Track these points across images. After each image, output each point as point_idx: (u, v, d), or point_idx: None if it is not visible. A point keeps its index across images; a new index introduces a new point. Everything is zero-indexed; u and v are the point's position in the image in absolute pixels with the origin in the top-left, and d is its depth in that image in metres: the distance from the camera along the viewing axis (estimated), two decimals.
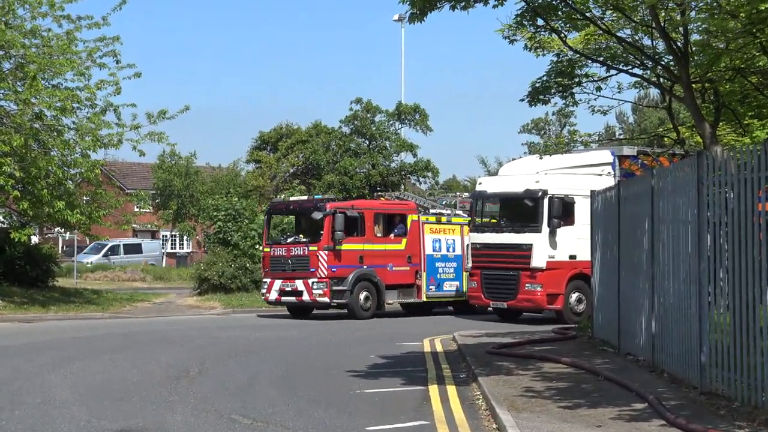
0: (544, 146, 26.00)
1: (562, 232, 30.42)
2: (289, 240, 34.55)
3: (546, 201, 30.32)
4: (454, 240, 36.11)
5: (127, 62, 35.71)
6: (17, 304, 34.18)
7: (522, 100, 20.24)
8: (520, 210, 31.95)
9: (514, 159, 37.08)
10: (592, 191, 23.75)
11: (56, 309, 34.59)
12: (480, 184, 33.80)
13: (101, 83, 35.17)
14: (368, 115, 47.68)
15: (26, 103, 32.72)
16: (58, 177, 34.03)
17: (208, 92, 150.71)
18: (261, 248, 36.67)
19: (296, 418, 14.34)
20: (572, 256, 30.53)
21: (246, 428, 13.68)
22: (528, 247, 30.62)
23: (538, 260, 30.49)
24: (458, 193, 40.60)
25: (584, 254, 26.86)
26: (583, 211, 28.21)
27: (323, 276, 32.86)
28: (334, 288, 32.95)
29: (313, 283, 32.95)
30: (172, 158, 64.71)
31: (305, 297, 33.26)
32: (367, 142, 47.73)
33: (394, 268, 34.57)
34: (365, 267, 33.73)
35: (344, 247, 33.17)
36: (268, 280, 34.37)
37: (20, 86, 33.76)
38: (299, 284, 33.26)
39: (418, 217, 35.61)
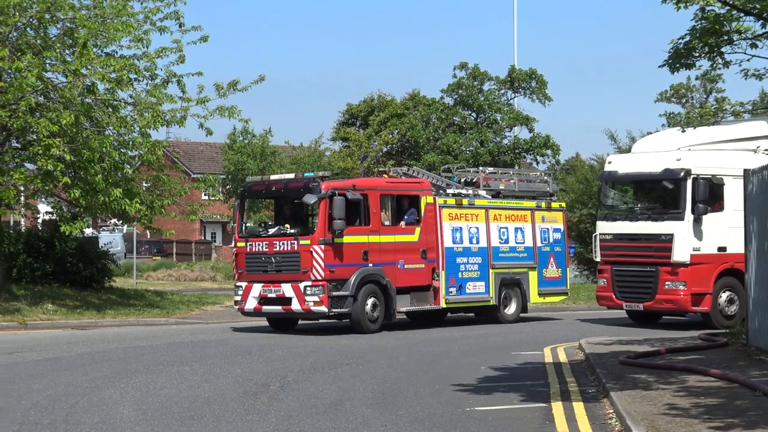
0: (686, 117, 25.60)
1: (709, 219, 30.09)
2: (271, 231, 31.13)
3: (689, 182, 30.00)
4: (477, 228, 33.55)
5: (191, 25, 36.07)
6: (69, 308, 34.82)
7: (662, 66, 20.04)
8: (659, 194, 31.68)
9: (649, 133, 36.52)
10: (745, 170, 23.45)
11: (114, 313, 35.18)
12: (609, 163, 33.57)
13: (162, 50, 35.63)
14: (475, 83, 47.59)
15: (76, 75, 33.25)
16: (114, 160, 34.41)
17: (286, 60, 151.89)
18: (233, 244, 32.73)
19: None
20: (721, 248, 30.20)
21: None
22: (668, 238, 30.35)
23: (681, 253, 30.20)
24: (481, 168, 37.42)
25: (736, 246, 26.56)
26: (734, 195, 27.90)
27: (319, 278, 29.49)
28: (333, 293, 29.71)
29: (305, 287, 29.58)
30: (245, 137, 65.24)
31: (295, 305, 29.86)
32: (474, 114, 47.66)
33: (405, 266, 31.56)
34: (371, 265, 30.65)
35: (345, 239, 29.98)
36: (243, 284, 31.03)
37: (69, 55, 34.33)
38: (287, 289, 29.98)
39: (434, 199, 32.60)
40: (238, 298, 31.16)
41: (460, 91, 47.20)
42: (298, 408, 17.17)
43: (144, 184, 38.17)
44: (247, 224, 33.64)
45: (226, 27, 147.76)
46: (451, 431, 15.23)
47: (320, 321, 31.95)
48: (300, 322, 31.91)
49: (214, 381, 20.27)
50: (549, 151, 49.03)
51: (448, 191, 33.60)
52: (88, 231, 45.21)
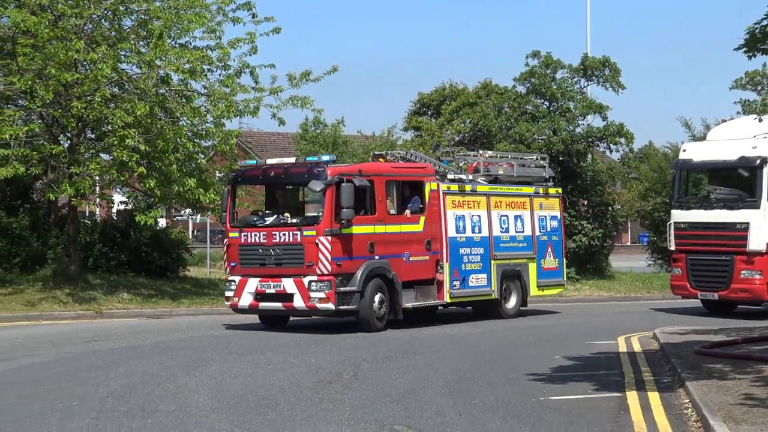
0: (762, 105, 25.44)
1: None
2: (269, 221, 28.35)
3: (765, 170, 29.74)
4: (479, 217, 31.22)
5: (264, 16, 36.21)
6: (144, 297, 35.14)
7: (737, 49, 19.79)
8: (734, 182, 31.41)
9: (724, 120, 36.23)
10: None
11: (188, 302, 35.44)
12: (684, 151, 33.33)
13: (235, 42, 35.77)
14: (548, 72, 47.28)
15: (151, 66, 33.50)
16: (188, 150, 34.71)
17: (358, 49, 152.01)
18: (224, 232, 30.16)
19: (470, 430, 14.46)
20: None
21: None
22: (744, 227, 30.09)
23: (757, 242, 29.94)
24: (480, 152, 34.71)
25: None
26: None
27: (326, 272, 27.03)
28: (340, 289, 27.21)
29: (310, 282, 27.05)
30: (317, 126, 65.33)
31: (297, 302, 27.34)
32: (546, 103, 47.40)
33: (410, 258, 29.20)
34: (377, 258, 28.15)
35: (352, 230, 27.56)
36: (236, 279, 28.33)
37: (143, 46, 34.63)
38: (288, 284, 27.40)
39: (438, 185, 30.14)
40: (230, 293, 28.43)
41: (533, 80, 46.93)
42: (371, 396, 17.22)
43: (217, 174, 38.42)
44: (237, 213, 30.56)
45: (297, 17, 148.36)
46: (525, 420, 15.21)
47: (313, 318, 29.79)
48: (291, 318, 29.39)
49: (288, 369, 20.40)
50: (623, 140, 48.67)
51: (449, 176, 31.13)
52: (162, 221, 45.51)
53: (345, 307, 27.26)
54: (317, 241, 27.05)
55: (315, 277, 27.05)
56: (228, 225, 28.83)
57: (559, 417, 15.49)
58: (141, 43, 34.84)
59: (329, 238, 27.01)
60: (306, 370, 20.42)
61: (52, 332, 27.50)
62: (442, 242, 29.82)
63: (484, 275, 31.11)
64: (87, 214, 42.47)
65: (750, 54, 19.59)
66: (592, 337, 25.95)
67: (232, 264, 28.52)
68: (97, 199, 42.65)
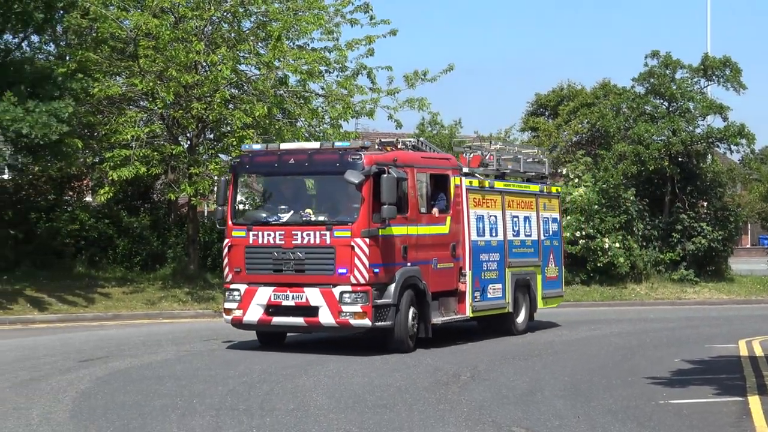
0: None
1: None
2: (285, 218, 23.63)
3: None
4: (496, 218, 27.17)
5: (381, 18, 36.30)
6: None
7: None
8: None
9: None
10: None
11: None
12: None
13: (352, 43, 35.93)
14: (667, 72, 46.78)
15: (269, 67, 33.83)
16: None
17: (474, 50, 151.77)
18: (224, 231, 24.93)
19: None
20: None
21: None
22: None
23: None
24: (492, 142, 30.45)
25: None
26: None
27: (362, 281, 22.54)
28: (377, 302, 22.81)
29: (343, 293, 22.58)
30: (433, 128, 65.46)
31: (325, 317, 22.76)
32: (665, 103, 46.87)
33: (438, 266, 24.87)
34: (409, 264, 23.87)
35: (388, 231, 23.26)
36: (240, 287, 23.59)
37: (262, 48, 35.00)
38: (313, 295, 22.84)
39: (461, 180, 26.01)
40: (232, 305, 23.66)
41: (652, 80, 46.44)
42: (489, 398, 17.22)
43: None
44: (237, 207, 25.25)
45: (413, 18, 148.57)
46: (645, 424, 15.10)
47: (313, 334, 25.90)
48: (288, 334, 25.37)
49: (405, 370, 20.46)
50: (743, 141, 48.01)
51: (463, 170, 26.63)
52: None
53: (381, 323, 22.80)
54: (353, 243, 22.61)
55: (349, 287, 22.59)
56: (229, 222, 24.04)
57: (679, 421, 15.36)
58: (260, 44, 35.23)
59: (367, 240, 22.62)
60: (423, 370, 20.52)
61: (172, 330, 27.87)
62: (465, 247, 25.70)
63: (500, 285, 26.95)
64: (206, 213, 42.91)
65: None
66: (713, 341, 25.67)
67: (236, 269, 23.68)
68: None
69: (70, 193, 39.50)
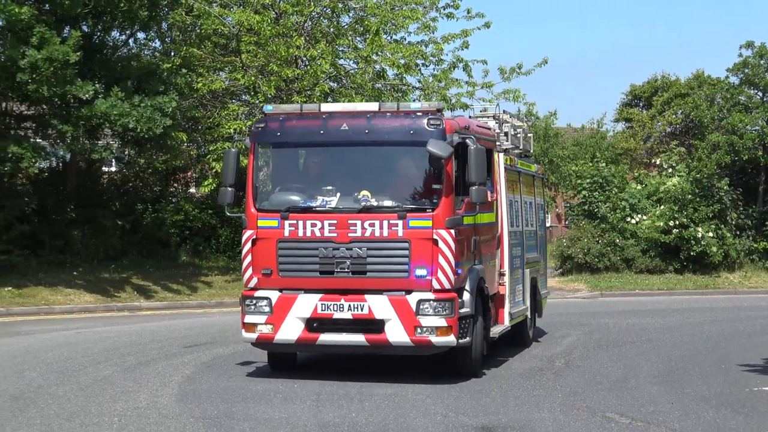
0: None
1: None
2: (334, 201, 17.63)
3: None
4: (518, 203, 22.17)
5: (476, 12, 36.28)
6: None
7: None
8: None
9: None
10: None
11: None
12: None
13: (449, 37, 35.91)
14: (762, 62, 46.16)
15: (367, 61, 33.97)
16: None
17: (569, 42, 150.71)
18: (243, 220, 18.18)
19: (682, 419, 14.27)
20: None
21: (623, 428, 13.75)
22: None
23: None
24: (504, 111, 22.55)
25: None
26: None
27: (447, 286, 16.98)
28: (461, 312, 17.32)
29: (421, 302, 16.90)
30: (529, 119, 65.27)
31: (394, 335, 17.01)
32: (760, 94, 46.23)
33: (490, 263, 19.66)
34: (476, 263, 18.47)
35: (466, 220, 17.86)
36: (271, 295, 17.59)
37: (360, 42, 35.15)
38: (378, 305, 17.09)
39: (499, 156, 20.61)
40: (258, 318, 17.56)
41: (746, 70, 45.74)
42: (583, 384, 17.15)
43: None
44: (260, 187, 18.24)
45: (507, 11, 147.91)
46: (738, 410, 14.94)
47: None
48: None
49: (493, 356, 20.37)
50: None
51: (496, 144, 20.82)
52: None
53: (463, 340, 17.33)
54: (435, 236, 16.93)
55: (430, 294, 16.91)
56: (252, 207, 17.82)
57: None
58: (358, 39, 35.40)
59: (452, 231, 16.98)
60: (519, 358, 20.41)
61: None
62: (503, 240, 20.57)
63: (521, 286, 21.95)
64: None
65: None
66: None
67: (264, 271, 17.54)
68: None
69: (175, 184, 39.96)
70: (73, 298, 30.38)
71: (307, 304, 17.37)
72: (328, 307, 17.32)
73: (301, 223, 17.43)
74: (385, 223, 17.15)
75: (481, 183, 17.20)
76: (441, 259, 16.97)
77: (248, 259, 17.81)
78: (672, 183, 42.10)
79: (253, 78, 33.47)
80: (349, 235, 17.23)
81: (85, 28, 31.54)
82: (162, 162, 36.00)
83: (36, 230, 33.43)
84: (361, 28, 35.31)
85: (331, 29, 35.59)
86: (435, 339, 16.95)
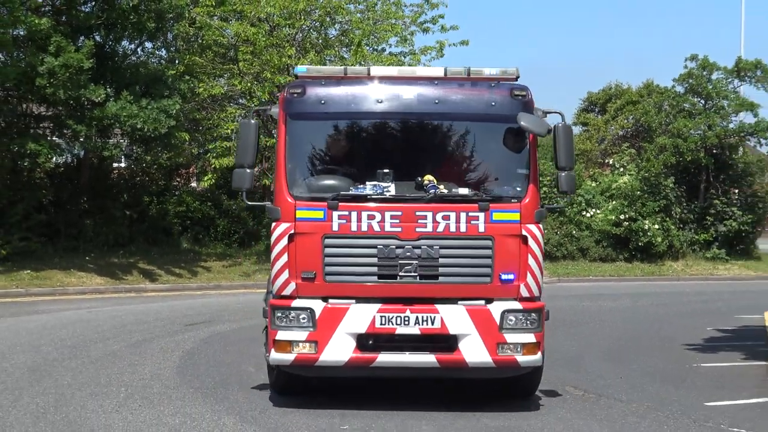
0: None
1: None
2: (389, 188, 12.80)
3: None
4: None
5: (450, 25, 36.24)
6: None
7: None
8: None
9: None
10: None
11: None
12: None
13: (425, 49, 35.92)
14: (704, 73, 46.32)
15: None
16: None
17: (530, 50, 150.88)
18: (271, 210, 13.05)
19: (629, 392, 14.34)
20: None
21: (577, 399, 13.83)
22: None
23: None
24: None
25: None
26: None
27: (537, 293, 12.87)
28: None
29: (507, 314, 12.65)
30: None
31: (473, 353, 12.56)
32: (702, 101, 46.34)
33: None
34: None
35: None
36: (314, 306, 12.62)
37: (346, 53, 35.09)
38: (454, 317, 12.60)
39: None
40: (297, 334, 12.63)
41: (690, 81, 45.87)
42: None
43: None
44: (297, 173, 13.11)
45: (481, 26, 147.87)
46: (679, 384, 15.02)
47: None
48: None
49: None
50: None
51: None
52: None
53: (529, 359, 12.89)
54: (525, 231, 12.63)
55: (517, 304, 12.62)
56: (287, 194, 12.78)
57: (709, 382, 15.26)
58: (344, 50, 35.38)
59: (540, 227, 12.85)
60: None
61: None
62: None
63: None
64: None
65: None
66: (741, 312, 25.41)
67: (305, 275, 12.65)
68: None
69: (178, 179, 39.85)
70: (85, 280, 30.32)
71: (361, 317, 12.38)
72: (389, 320, 12.39)
73: (354, 214, 12.46)
74: (463, 215, 12.46)
75: (571, 167, 13.00)
76: (531, 260, 12.56)
77: (282, 259, 12.62)
78: (623, 181, 42.47)
79: (249, 84, 33.43)
80: (417, 230, 12.43)
81: (97, 37, 31.42)
82: (166, 159, 35.89)
83: (52, 219, 33.36)
84: (347, 40, 35.29)
85: (320, 41, 35.55)
86: (521, 358, 12.55)
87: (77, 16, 30.33)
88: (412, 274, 12.47)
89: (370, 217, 12.52)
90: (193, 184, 40.48)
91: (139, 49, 34.68)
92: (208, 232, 37.45)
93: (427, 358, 12.53)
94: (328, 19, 35.04)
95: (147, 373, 15.34)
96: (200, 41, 35.15)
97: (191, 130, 34.93)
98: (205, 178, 35.90)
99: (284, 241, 12.63)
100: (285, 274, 12.64)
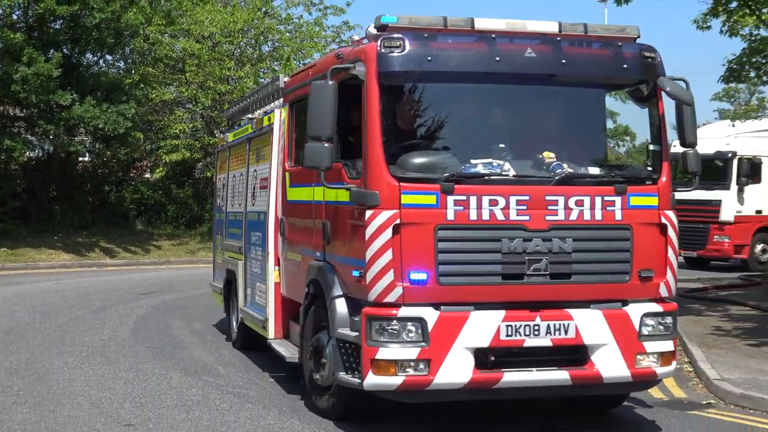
0: (734, 112, 24.96)
1: (750, 189, 29.37)
2: (506, 167, 8.65)
3: (735, 161, 29.31)
4: None
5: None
6: None
7: (719, 80, 19.33)
8: (711, 170, 31.00)
9: (704, 124, 35.70)
10: None
11: None
12: (674, 146, 32.79)
13: None
14: None
15: None
16: None
17: None
18: (361, 195, 8.60)
19: None
20: (758, 211, 29.43)
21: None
22: (717, 203, 29.69)
23: (726, 214, 29.53)
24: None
25: None
26: None
27: (673, 293, 9.15)
28: None
29: (645, 318, 8.87)
30: None
31: (609, 368, 8.72)
32: None
33: None
34: None
35: None
36: (427, 315, 8.38)
37: (276, 66, 34.94)
38: (589, 324, 8.66)
39: None
40: (404, 351, 8.36)
41: None
42: None
43: None
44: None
45: None
46: None
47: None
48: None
49: None
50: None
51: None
52: None
53: None
54: (663, 219, 9.00)
55: (657, 306, 9.00)
56: (386, 175, 8.42)
57: None
58: (275, 63, 35.19)
59: (674, 212, 9.15)
60: None
61: (207, 273, 27.60)
62: None
63: None
64: None
65: (728, 81, 19.39)
66: None
67: (415, 276, 8.38)
68: None
69: (134, 171, 39.41)
70: (54, 256, 29.84)
71: (484, 327, 8.44)
72: (516, 330, 8.50)
73: (473, 199, 8.42)
74: (598, 200, 8.70)
75: (697, 143, 9.43)
76: (670, 253, 8.98)
77: (385, 257, 8.33)
78: None
79: (194, 91, 33.16)
80: (548, 218, 8.57)
81: (65, 50, 30.96)
82: (124, 154, 35.47)
83: (25, 205, 32.88)
84: (277, 55, 35.14)
85: (255, 56, 35.35)
86: (659, 370, 8.98)
87: (47, 31, 29.92)
88: (542, 272, 8.54)
89: (492, 203, 8.45)
90: (147, 176, 40.10)
91: (100, 61, 34.31)
92: (160, 216, 37.11)
93: (560, 375, 8.62)
94: (261, 37, 34.89)
95: (106, 335, 15.16)
96: (153, 55, 34.73)
97: (145, 130, 34.56)
98: (157, 171, 35.65)
99: (387, 233, 8.31)
100: (388, 276, 8.32)
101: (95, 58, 33.71)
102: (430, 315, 8.37)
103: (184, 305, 19.41)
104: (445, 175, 8.42)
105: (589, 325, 8.64)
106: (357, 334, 8.56)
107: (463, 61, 8.66)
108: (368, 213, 8.40)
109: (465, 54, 8.67)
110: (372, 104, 8.51)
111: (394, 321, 8.33)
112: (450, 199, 8.37)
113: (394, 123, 8.67)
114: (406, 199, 8.35)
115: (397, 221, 8.33)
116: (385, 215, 8.35)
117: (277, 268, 11.60)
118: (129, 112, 29.82)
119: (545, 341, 8.55)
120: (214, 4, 33.96)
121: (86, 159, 37.56)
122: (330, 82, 8.54)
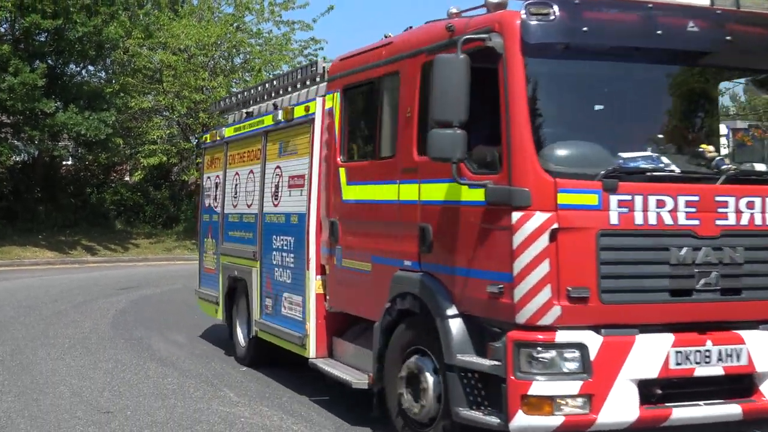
0: None
1: None
2: (665, 161, 6.49)
3: None
4: None
5: (334, 55, 36.19)
6: None
7: None
8: None
9: None
10: None
11: None
12: None
13: None
14: None
15: None
16: None
17: None
18: (500, 192, 6.40)
19: None
20: None
21: None
22: None
23: None
24: None
25: None
26: None
27: None
28: None
29: None
30: None
31: None
32: None
33: None
34: None
35: None
36: (589, 340, 6.28)
37: (248, 77, 34.78)
38: (761, 349, 6.62)
39: None
40: (561, 386, 6.20)
41: None
42: None
43: None
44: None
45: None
46: None
47: None
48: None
49: None
50: None
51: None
52: None
53: None
54: None
55: None
56: (537, 167, 6.26)
57: None
58: (246, 74, 35.01)
59: None
60: None
61: (182, 270, 27.50)
62: None
63: None
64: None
65: None
66: None
67: (575, 293, 6.22)
68: None
69: (114, 174, 39.20)
70: (39, 254, 29.50)
71: (651, 354, 6.46)
72: (686, 358, 6.53)
73: (638, 200, 6.44)
74: (764, 202, 6.77)
75: None
76: None
77: (540, 270, 6.29)
78: None
79: (170, 100, 32.89)
80: (717, 222, 6.62)
81: (49, 61, 30.61)
82: (104, 159, 35.16)
83: (12, 206, 32.68)
84: (249, 67, 34.99)
85: (227, 67, 35.13)
86: None
87: (33, 44, 29.72)
88: (713, 287, 6.56)
89: (660, 204, 6.45)
90: (126, 179, 39.85)
91: (83, 71, 34.07)
92: (138, 216, 36.84)
93: (731, 410, 6.64)
94: (234, 50, 34.71)
95: (87, 328, 14.95)
96: (132, 66, 34.41)
97: (125, 136, 34.24)
98: (136, 174, 35.45)
99: (543, 240, 6.26)
100: (544, 293, 6.26)
101: (78, 69, 33.46)
102: (593, 340, 6.28)
103: (161, 300, 19.20)
104: (607, 169, 6.35)
105: (761, 349, 6.68)
106: (495, 363, 6.43)
107: (622, 33, 6.52)
108: (515, 215, 6.29)
109: (623, 25, 6.53)
110: (516, 83, 6.38)
111: (549, 347, 6.23)
112: (614, 199, 6.32)
113: (544, 106, 6.55)
114: (563, 198, 6.25)
115: (555, 225, 6.23)
116: (539, 218, 6.24)
117: (318, 277, 9.35)
118: (110, 119, 29.72)
119: (717, 369, 6.56)
120: (190, 19, 33.81)
121: (69, 163, 37.24)
122: (461, 56, 6.42)
